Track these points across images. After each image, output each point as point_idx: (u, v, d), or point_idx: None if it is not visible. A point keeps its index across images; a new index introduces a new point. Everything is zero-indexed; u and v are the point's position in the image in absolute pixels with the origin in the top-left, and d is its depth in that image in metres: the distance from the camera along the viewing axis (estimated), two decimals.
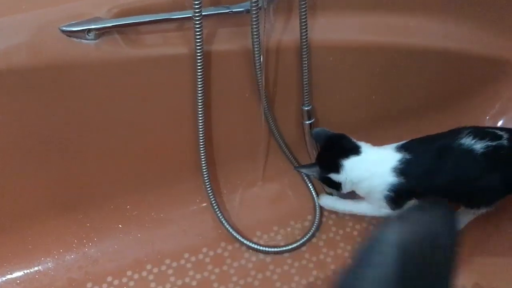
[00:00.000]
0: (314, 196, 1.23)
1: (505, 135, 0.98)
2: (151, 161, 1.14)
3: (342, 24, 1.09)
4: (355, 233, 1.20)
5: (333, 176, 1.03)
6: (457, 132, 1.00)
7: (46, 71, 0.89)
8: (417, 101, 1.24)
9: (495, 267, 1.12)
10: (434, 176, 0.98)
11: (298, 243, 1.16)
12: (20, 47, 0.86)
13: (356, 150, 1.01)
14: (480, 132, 0.98)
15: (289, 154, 1.23)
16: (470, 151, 0.96)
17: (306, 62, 1.04)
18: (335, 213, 1.23)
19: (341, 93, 1.17)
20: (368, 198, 1.06)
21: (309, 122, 1.14)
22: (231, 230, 1.16)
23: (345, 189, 1.05)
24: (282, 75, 1.10)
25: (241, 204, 1.24)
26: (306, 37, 1.01)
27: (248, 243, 1.15)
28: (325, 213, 1.22)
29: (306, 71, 1.05)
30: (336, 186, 1.05)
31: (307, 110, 1.13)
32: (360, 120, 1.22)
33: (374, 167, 1.00)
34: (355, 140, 1.04)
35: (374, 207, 1.07)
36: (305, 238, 1.17)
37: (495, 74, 1.26)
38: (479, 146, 0.96)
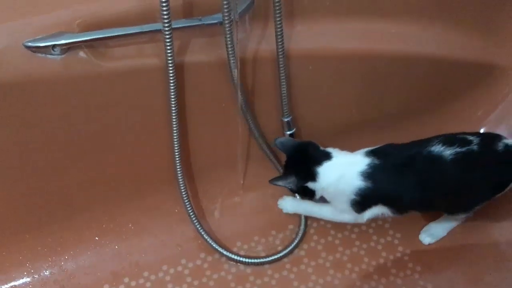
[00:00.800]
0: None
1: (475, 140, 0.97)
2: (127, 173, 1.11)
3: (321, 32, 1.06)
4: (337, 241, 1.19)
5: (310, 185, 1.01)
6: (428, 140, 0.99)
7: (9, 89, 0.86)
8: (400, 107, 1.21)
9: None
10: (402, 183, 0.98)
11: (280, 254, 1.14)
12: None
13: (327, 156, 1.00)
14: (450, 139, 0.98)
15: (270, 163, 1.20)
16: (439, 158, 0.96)
17: (283, 72, 1.01)
18: (317, 221, 1.21)
19: (322, 102, 1.15)
20: (333, 202, 1.05)
21: (290, 132, 1.12)
22: (210, 241, 1.14)
23: (318, 195, 1.03)
24: (260, 86, 1.07)
25: (221, 214, 1.22)
26: (283, 47, 0.98)
27: (228, 254, 1.14)
28: (308, 222, 1.20)
29: (284, 81, 1.03)
30: (310, 194, 1.03)
31: (287, 121, 1.10)
32: (342, 128, 1.19)
33: (343, 170, 0.99)
34: (323, 148, 1.03)
35: (336, 211, 1.06)
36: (288, 249, 1.15)
37: (482, 78, 1.23)
38: (448, 152, 0.95)
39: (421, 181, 0.98)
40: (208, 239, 1.14)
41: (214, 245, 1.14)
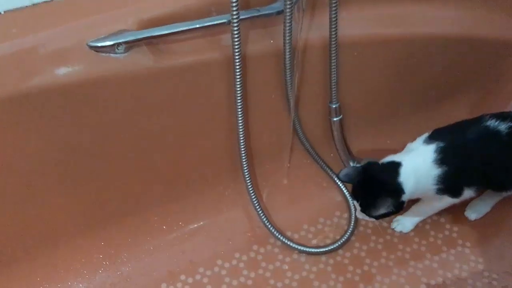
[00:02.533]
0: (343, 189, 1.22)
1: None
2: (182, 171, 1.10)
3: (361, 17, 1.06)
4: (385, 224, 1.20)
5: (403, 197, 0.98)
6: (478, 118, 1.01)
7: (74, 89, 0.84)
8: (436, 89, 1.23)
9: None
10: (471, 159, 0.99)
11: (338, 243, 1.15)
12: (47, 65, 0.81)
13: (396, 165, 0.98)
14: (500, 115, 1.00)
15: (312, 152, 1.21)
16: (496, 132, 0.97)
17: (334, 59, 1.02)
18: None
19: (363, 88, 1.16)
20: (426, 198, 1.06)
21: (338, 118, 1.13)
22: (274, 231, 1.13)
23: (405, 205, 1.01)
24: (308, 74, 1.07)
25: (267, 205, 1.21)
26: (336, 34, 0.98)
27: (297, 246, 1.13)
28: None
29: (335, 68, 1.03)
30: (401, 207, 1.00)
31: (335, 108, 1.11)
32: (382, 113, 1.21)
33: (417, 168, 0.98)
34: (381, 161, 1.01)
35: (438, 202, 1.06)
36: (345, 237, 1.16)
37: None
38: (503, 127, 0.97)
39: (485, 157, 0.99)
40: (272, 229, 1.13)
41: (279, 236, 1.13)
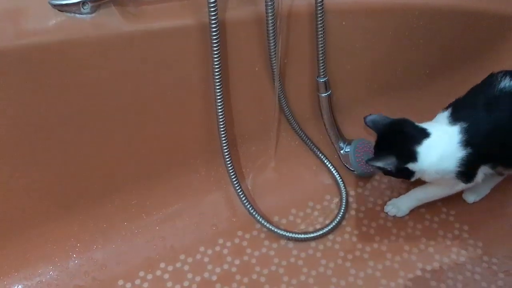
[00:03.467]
0: (334, 172, 1.16)
1: None
2: (156, 150, 1.03)
3: None
4: (378, 208, 1.14)
5: (410, 166, 0.93)
6: (490, 81, 0.94)
7: (35, 52, 0.77)
8: (433, 63, 1.17)
9: None
10: (495, 132, 0.92)
11: (328, 228, 1.08)
12: (5, 25, 0.74)
13: (425, 133, 0.93)
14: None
15: (300, 132, 1.14)
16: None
17: (321, 27, 0.95)
18: (354, 189, 1.16)
19: (354, 62, 1.09)
20: (438, 181, 0.99)
21: (326, 94, 1.06)
22: (256, 216, 1.06)
23: (416, 177, 0.96)
24: (293, 44, 1.01)
25: (253, 188, 1.15)
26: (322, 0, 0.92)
27: (284, 233, 1.06)
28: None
29: (322, 37, 0.97)
30: (408, 176, 0.96)
31: (324, 82, 1.04)
32: (374, 90, 1.15)
33: (443, 148, 0.92)
34: (418, 123, 0.95)
35: (447, 188, 1.01)
36: (335, 222, 1.09)
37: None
38: None
39: (504, 123, 0.92)
40: (255, 214, 1.07)
41: (263, 222, 1.06)
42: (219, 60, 0.87)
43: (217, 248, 1.07)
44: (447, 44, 1.16)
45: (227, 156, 1.03)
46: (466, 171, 0.93)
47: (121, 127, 0.95)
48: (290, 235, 1.07)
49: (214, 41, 0.85)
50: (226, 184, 1.10)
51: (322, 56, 1.00)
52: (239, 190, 1.06)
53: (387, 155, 0.93)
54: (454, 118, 0.94)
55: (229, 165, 1.04)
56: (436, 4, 1.07)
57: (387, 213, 1.12)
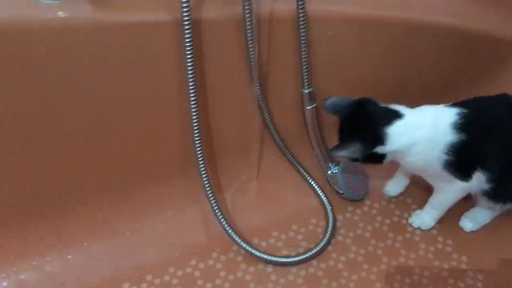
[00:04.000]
0: (320, 194, 1.08)
1: None
2: (125, 160, 0.97)
3: None
4: (368, 234, 1.04)
5: (379, 149, 0.85)
6: (503, 95, 0.88)
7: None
8: (425, 81, 1.11)
9: None
10: (497, 133, 0.84)
11: (312, 253, 0.99)
12: None
13: (396, 115, 0.85)
14: None
15: (285, 149, 1.08)
16: None
17: (304, 35, 0.91)
18: (342, 213, 1.07)
19: (340, 74, 1.04)
20: (426, 175, 0.92)
21: (311, 107, 1.00)
22: (234, 236, 0.97)
23: (388, 159, 0.88)
24: (276, 52, 0.97)
25: (232, 207, 1.06)
26: (303, 6, 0.88)
27: (261, 254, 0.97)
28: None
29: (305, 46, 0.92)
30: (379, 160, 0.87)
31: (308, 93, 0.99)
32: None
33: (424, 129, 0.84)
34: (385, 104, 0.88)
35: (446, 186, 0.91)
36: (320, 246, 1.00)
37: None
38: None
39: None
40: (231, 233, 0.98)
41: (240, 242, 0.97)
42: (192, 61, 0.82)
43: (188, 270, 0.97)
44: (440, 62, 1.11)
45: (202, 169, 0.96)
46: (458, 163, 0.84)
47: (87, 130, 0.89)
48: (270, 258, 0.97)
49: (187, 40, 0.81)
50: (202, 200, 1.02)
51: (305, 65, 0.95)
52: (215, 207, 0.98)
53: (350, 141, 0.84)
54: (455, 103, 0.86)
55: (205, 179, 0.97)
56: (430, 21, 1.04)
57: (411, 224, 1.04)
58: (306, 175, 1.09)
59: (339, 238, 1.03)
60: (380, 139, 0.84)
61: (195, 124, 0.90)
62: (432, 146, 0.84)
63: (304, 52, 0.94)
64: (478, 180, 0.87)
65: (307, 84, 0.98)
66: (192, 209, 1.05)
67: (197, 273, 0.97)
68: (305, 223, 1.06)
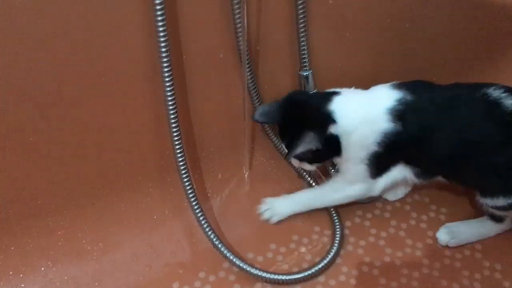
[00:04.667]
0: None
1: None
2: (90, 162, 0.80)
3: None
4: (382, 242, 0.88)
5: (333, 130, 0.76)
6: (483, 85, 0.75)
7: None
8: (434, 59, 0.96)
9: None
10: (440, 130, 0.75)
11: (318, 268, 0.83)
12: None
13: (332, 93, 0.78)
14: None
15: (278, 144, 0.92)
16: (496, 105, 0.72)
17: (302, 6, 0.75)
18: (350, 219, 0.91)
19: (343, 52, 0.89)
20: (347, 163, 0.81)
21: (312, 93, 0.85)
22: (224, 251, 0.81)
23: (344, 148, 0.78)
24: (267, 26, 0.80)
25: (221, 217, 0.90)
26: None
27: (259, 272, 0.81)
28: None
29: (303, 19, 0.77)
30: (336, 146, 0.77)
31: (306, 76, 0.83)
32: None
33: (364, 107, 0.76)
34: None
35: (342, 184, 0.84)
36: (327, 259, 0.84)
37: None
38: (510, 102, 0.72)
39: (467, 134, 0.74)
40: (221, 248, 0.82)
41: (232, 258, 0.81)
42: (166, 37, 0.66)
43: None
44: (450, 34, 0.96)
45: (184, 172, 0.79)
46: (380, 158, 0.76)
47: (31, 122, 0.71)
48: (269, 276, 0.81)
49: (159, 8, 0.64)
50: (184, 210, 0.86)
51: (304, 44, 0.79)
52: (201, 218, 0.82)
53: (300, 135, 0.75)
54: (403, 86, 0.76)
55: (187, 185, 0.81)
56: None
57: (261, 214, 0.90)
58: (306, 176, 0.93)
59: (349, 248, 0.88)
60: (328, 117, 0.75)
61: (172, 116, 0.74)
62: (368, 134, 0.75)
63: (302, 28, 0.78)
64: (394, 177, 0.81)
65: (305, 66, 0.82)
66: (173, 221, 0.88)
67: None
68: (308, 232, 0.90)
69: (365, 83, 0.90)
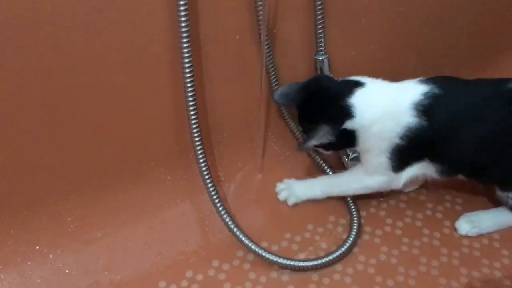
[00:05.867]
0: None
1: None
2: (102, 148, 0.78)
3: None
4: (398, 232, 0.86)
5: (349, 125, 0.74)
6: (508, 80, 0.74)
7: None
8: (456, 53, 0.96)
9: None
10: (466, 126, 0.73)
11: (335, 256, 0.80)
12: None
13: (357, 84, 0.75)
14: None
15: (295, 129, 0.91)
16: None
17: None
18: (366, 209, 0.90)
19: (360, 38, 0.88)
20: (368, 154, 0.79)
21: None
22: (242, 238, 0.79)
23: (359, 142, 0.76)
24: (285, 11, 0.79)
25: (234, 205, 0.87)
26: None
27: (277, 259, 0.79)
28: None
29: (321, 4, 0.76)
30: (352, 140, 0.76)
31: (322, 60, 0.82)
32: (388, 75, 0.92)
33: (387, 101, 0.73)
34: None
35: (364, 174, 0.81)
36: (344, 248, 0.82)
37: None
38: None
39: (492, 126, 0.73)
40: (240, 235, 0.80)
41: (248, 243, 0.79)
42: (186, 14, 0.65)
43: (184, 284, 0.77)
44: (474, 27, 0.95)
45: (201, 155, 0.77)
46: (403, 153, 0.73)
47: (51, 111, 0.69)
48: (286, 262, 0.78)
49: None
50: (197, 199, 0.84)
51: (321, 27, 0.78)
52: (218, 204, 0.80)
53: (315, 127, 0.73)
54: (430, 81, 0.74)
55: (204, 169, 0.78)
56: None
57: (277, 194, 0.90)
58: (321, 163, 0.92)
59: (366, 237, 0.86)
60: (346, 111, 0.73)
61: (190, 99, 0.72)
62: (390, 126, 0.73)
63: (320, 10, 0.77)
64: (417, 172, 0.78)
65: (322, 50, 0.81)
66: (186, 209, 0.86)
67: (194, 287, 0.77)
68: (323, 222, 0.88)
69: (379, 70, 0.89)
